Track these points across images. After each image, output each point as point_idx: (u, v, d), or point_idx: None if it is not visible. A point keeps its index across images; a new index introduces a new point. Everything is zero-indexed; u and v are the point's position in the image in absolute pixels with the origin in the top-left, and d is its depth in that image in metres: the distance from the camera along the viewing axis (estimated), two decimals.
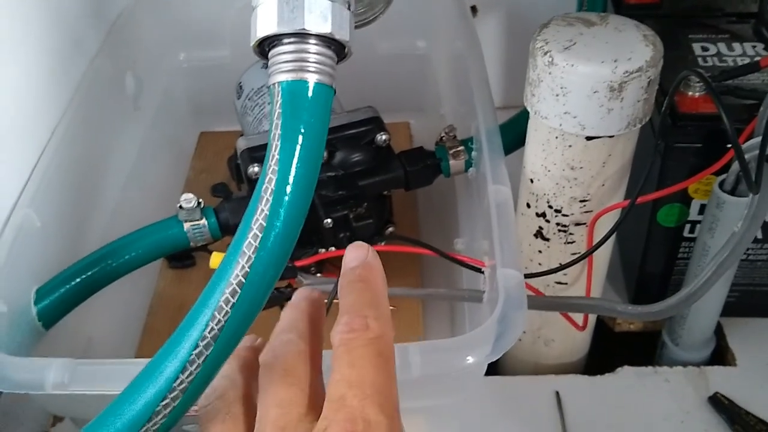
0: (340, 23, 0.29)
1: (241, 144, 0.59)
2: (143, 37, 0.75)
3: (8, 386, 0.40)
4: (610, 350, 0.65)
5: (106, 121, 0.66)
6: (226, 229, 0.56)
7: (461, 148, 0.61)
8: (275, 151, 0.28)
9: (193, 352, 0.27)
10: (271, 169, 0.28)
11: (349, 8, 0.30)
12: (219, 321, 0.27)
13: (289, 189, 0.28)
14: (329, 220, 0.58)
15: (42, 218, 0.51)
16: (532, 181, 0.51)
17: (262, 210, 0.28)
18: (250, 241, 0.27)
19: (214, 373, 0.28)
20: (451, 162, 0.61)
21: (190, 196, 0.54)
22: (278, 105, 0.29)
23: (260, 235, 0.27)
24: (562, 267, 0.52)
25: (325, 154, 0.57)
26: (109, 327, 0.61)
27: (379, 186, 0.60)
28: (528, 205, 0.53)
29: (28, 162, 0.53)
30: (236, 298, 0.27)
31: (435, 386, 0.44)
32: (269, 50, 0.30)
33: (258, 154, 0.58)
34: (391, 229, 0.64)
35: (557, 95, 0.45)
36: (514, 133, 0.58)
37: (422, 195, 0.74)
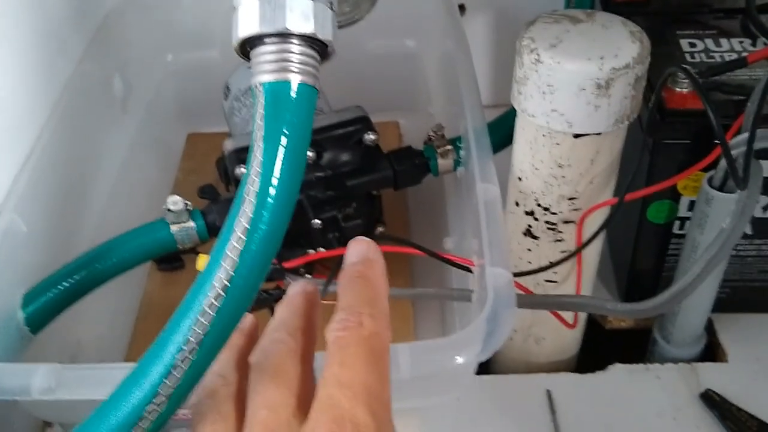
0: (322, 23, 0.29)
1: (228, 145, 0.59)
2: (131, 38, 0.74)
3: None
4: (602, 348, 0.65)
5: (94, 123, 0.66)
6: (214, 231, 0.56)
7: (449, 147, 0.61)
8: (258, 152, 0.28)
9: (178, 356, 0.27)
10: (254, 171, 0.28)
11: (331, 8, 0.30)
12: (203, 325, 0.27)
13: (272, 191, 0.28)
14: (318, 221, 0.57)
15: (28, 223, 0.51)
16: (520, 179, 0.51)
17: (245, 212, 0.27)
18: (233, 244, 0.27)
19: (199, 377, 0.28)
20: (440, 161, 0.61)
21: (177, 198, 0.54)
22: (261, 106, 0.29)
23: (244, 238, 0.27)
24: (551, 265, 0.52)
25: (313, 154, 0.57)
26: (98, 330, 0.61)
27: (367, 186, 0.60)
28: (517, 204, 0.53)
29: (13, 166, 0.53)
30: (220, 301, 0.27)
31: (425, 386, 0.44)
32: (251, 51, 0.30)
33: (245, 155, 0.57)
34: (381, 229, 0.63)
35: (544, 93, 0.45)
36: (502, 132, 0.58)
37: (412, 194, 0.73)
